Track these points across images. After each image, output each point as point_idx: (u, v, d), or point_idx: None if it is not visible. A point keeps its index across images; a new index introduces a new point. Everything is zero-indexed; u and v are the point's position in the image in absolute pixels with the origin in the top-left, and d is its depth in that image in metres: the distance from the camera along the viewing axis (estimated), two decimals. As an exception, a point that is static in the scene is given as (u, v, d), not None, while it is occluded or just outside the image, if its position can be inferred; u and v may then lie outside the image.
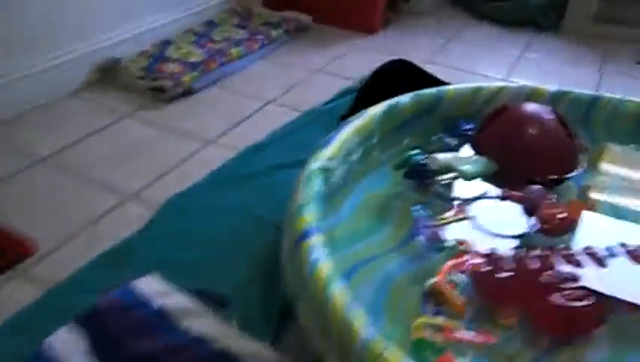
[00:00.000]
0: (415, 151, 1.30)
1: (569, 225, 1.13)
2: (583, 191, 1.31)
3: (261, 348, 0.95)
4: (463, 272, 0.99)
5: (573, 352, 0.93)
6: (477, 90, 1.52)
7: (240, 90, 1.91)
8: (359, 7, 2.44)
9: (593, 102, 1.52)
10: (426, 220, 1.13)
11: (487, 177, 1.27)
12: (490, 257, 1.03)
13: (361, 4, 2.44)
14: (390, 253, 1.12)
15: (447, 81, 1.76)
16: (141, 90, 1.83)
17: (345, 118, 1.47)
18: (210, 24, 2.28)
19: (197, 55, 1.99)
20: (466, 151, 1.37)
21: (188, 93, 1.84)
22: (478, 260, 1.02)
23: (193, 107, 1.80)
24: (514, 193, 1.21)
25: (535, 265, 1.00)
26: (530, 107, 1.34)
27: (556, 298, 0.94)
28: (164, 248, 1.23)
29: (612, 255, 1.05)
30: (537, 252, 1.03)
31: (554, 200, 1.19)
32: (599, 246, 1.06)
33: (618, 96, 1.52)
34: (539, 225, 1.13)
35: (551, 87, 1.55)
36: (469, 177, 1.24)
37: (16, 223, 1.25)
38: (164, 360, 0.91)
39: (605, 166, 1.40)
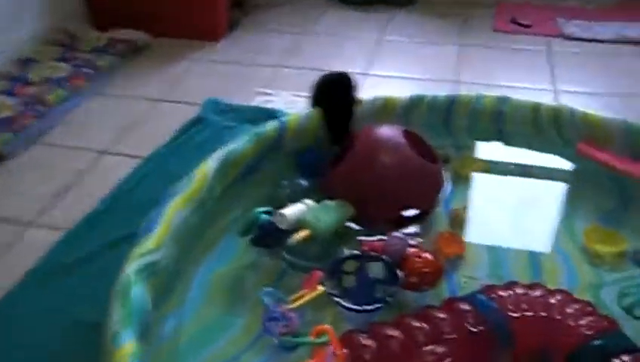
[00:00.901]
0: (261, 209, 1.12)
1: (435, 278, 1.01)
2: (454, 217, 1.20)
3: None
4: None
5: None
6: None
7: (65, 144, 1.63)
8: (199, 12, 2.18)
9: (450, 105, 1.41)
10: (277, 305, 0.96)
11: (345, 224, 1.12)
12: (353, 343, 0.88)
13: (200, 8, 2.18)
14: (246, 352, 0.95)
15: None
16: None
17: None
18: (26, 62, 1.94)
19: (7, 108, 1.67)
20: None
21: (-2, 160, 1.52)
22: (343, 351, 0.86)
23: (5, 178, 1.50)
24: (374, 244, 1.06)
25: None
26: (381, 133, 1.19)
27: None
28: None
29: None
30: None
31: (419, 243, 1.06)
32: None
33: (473, 94, 1.41)
34: (404, 281, 1.00)
35: (404, 96, 1.41)
36: (323, 232, 1.08)
37: None
38: None
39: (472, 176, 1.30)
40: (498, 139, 1.41)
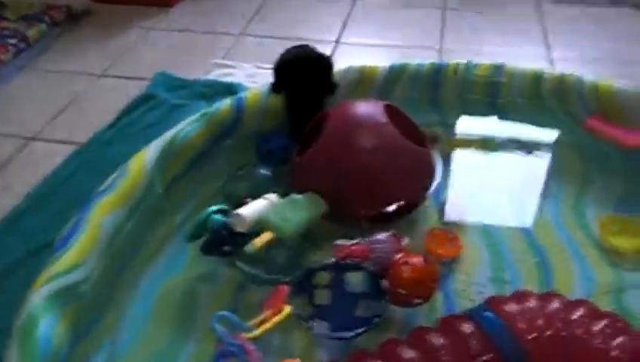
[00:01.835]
0: (214, 208, 0.91)
1: (430, 289, 0.82)
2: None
3: None
4: None
5: None
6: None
7: (-13, 129, 1.39)
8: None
9: (437, 74, 1.20)
10: (232, 334, 0.76)
11: (316, 224, 0.92)
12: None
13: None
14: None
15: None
16: None
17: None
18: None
19: None
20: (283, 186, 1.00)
21: None
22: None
23: None
24: (353, 249, 0.86)
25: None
26: (358, 110, 0.98)
27: None
28: None
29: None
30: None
31: (406, 245, 0.87)
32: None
33: (464, 62, 1.21)
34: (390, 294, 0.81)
35: (383, 64, 1.20)
36: (290, 235, 0.88)
37: None
38: None
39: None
40: (492, 114, 1.21)
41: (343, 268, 0.85)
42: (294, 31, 1.78)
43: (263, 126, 1.12)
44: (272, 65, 1.08)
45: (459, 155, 1.14)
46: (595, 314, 0.76)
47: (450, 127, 1.20)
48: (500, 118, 1.21)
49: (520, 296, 0.79)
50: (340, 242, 0.87)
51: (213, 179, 1.04)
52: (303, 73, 1.06)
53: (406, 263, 0.82)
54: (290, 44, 1.10)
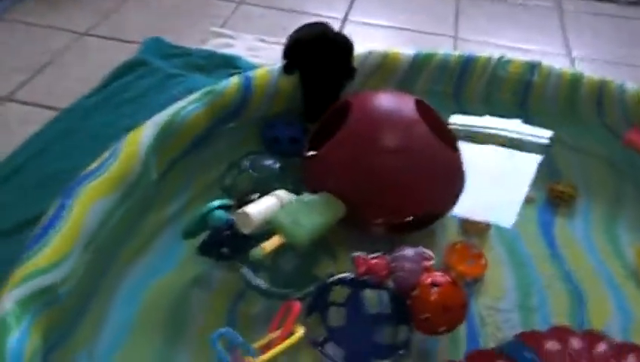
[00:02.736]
0: (216, 203, 0.80)
1: (460, 317, 0.72)
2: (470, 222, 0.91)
3: None
4: None
5: None
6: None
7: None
8: None
9: (465, 66, 1.09)
10: (234, 357, 0.65)
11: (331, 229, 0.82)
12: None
13: None
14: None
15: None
16: None
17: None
18: None
19: None
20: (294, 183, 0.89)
21: None
22: None
23: None
24: (375, 263, 0.76)
25: None
26: (387, 103, 0.87)
27: None
28: None
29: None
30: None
31: (432, 265, 0.77)
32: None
33: (496, 56, 1.10)
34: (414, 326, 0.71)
35: (407, 50, 1.09)
36: (303, 241, 0.77)
37: None
38: None
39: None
40: (519, 116, 1.11)
41: (361, 285, 0.75)
42: (299, 4, 1.64)
43: (271, 110, 1.00)
44: (275, 39, 0.95)
45: (480, 161, 1.04)
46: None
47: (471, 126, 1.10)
48: (527, 121, 1.11)
49: (560, 333, 0.71)
50: (358, 254, 0.77)
51: (213, 167, 0.93)
52: (322, 54, 0.95)
53: (433, 284, 0.73)
54: (294, 18, 0.99)
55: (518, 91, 1.10)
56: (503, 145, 1.06)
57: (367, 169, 0.81)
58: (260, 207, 0.78)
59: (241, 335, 0.67)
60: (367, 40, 1.01)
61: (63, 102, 1.19)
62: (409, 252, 0.77)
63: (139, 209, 0.82)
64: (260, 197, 0.82)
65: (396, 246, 0.79)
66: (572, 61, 1.51)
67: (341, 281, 0.75)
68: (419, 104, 0.87)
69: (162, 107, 1.15)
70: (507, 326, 0.78)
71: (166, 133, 0.85)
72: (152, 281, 0.79)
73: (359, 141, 0.82)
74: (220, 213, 0.78)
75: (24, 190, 0.98)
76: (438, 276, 0.74)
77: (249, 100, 0.96)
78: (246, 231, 0.76)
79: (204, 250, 0.78)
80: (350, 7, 1.68)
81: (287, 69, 0.97)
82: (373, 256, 0.76)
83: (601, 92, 1.05)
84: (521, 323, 0.79)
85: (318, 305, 0.73)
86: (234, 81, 0.95)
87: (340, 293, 0.75)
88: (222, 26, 1.52)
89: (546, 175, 1.04)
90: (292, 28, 1.00)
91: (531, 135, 1.08)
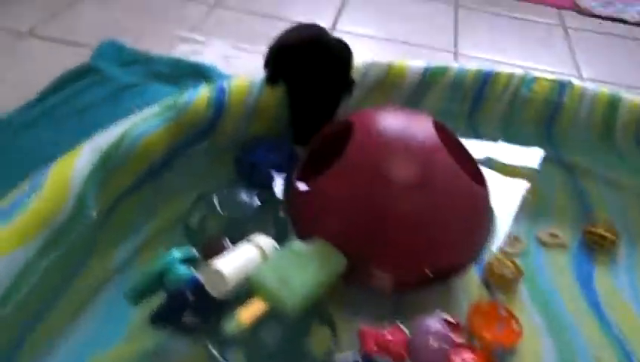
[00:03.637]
0: (177, 254, 0.59)
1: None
2: (497, 274, 0.73)
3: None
4: None
5: None
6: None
7: None
8: None
9: (483, 84, 0.92)
10: None
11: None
12: None
13: None
14: None
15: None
16: None
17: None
18: None
19: None
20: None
21: None
22: None
23: None
24: (388, 341, 0.57)
25: None
26: (398, 124, 0.68)
27: None
28: None
29: None
30: None
31: (462, 340, 0.58)
32: None
33: (520, 73, 0.93)
34: None
35: (415, 62, 0.91)
36: (293, 308, 0.57)
37: None
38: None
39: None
40: (542, 143, 0.94)
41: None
42: (281, 10, 1.46)
43: (250, 129, 0.81)
44: (253, 47, 0.77)
45: (503, 194, 0.86)
46: None
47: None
48: (552, 149, 0.94)
49: None
50: (365, 327, 0.58)
51: (173, 203, 0.72)
52: (315, 62, 0.76)
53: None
54: (274, 24, 0.80)
55: (543, 114, 0.93)
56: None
57: (374, 208, 0.62)
58: (237, 262, 0.58)
59: None
60: (358, 53, 0.83)
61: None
62: (432, 324, 0.58)
63: (73, 259, 0.61)
64: (233, 243, 0.63)
65: (405, 306, 0.61)
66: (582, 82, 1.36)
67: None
68: (437, 126, 0.69)
69: (114, 123, 0.97)
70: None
71: (111, 158, 0.64)
72: (91, 357, 0.58)
73: (365, 172, 0.63)
74: (181, 269, 0.58)
75: None
76: (462, 350, 0.55)
77: (222, 117, 0.76)
78: (218, 294, 0.56)
79: (160, 318, 0.57)
80: (339, 14, 1.50)
81: (270, 79, 0.78)
82: (386, 329, 0.57)
83: (641, 116, 0.89)
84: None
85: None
86: (203, 92, 0.75)
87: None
88: (191, 31, 1.32)
89: (577, 213, 0.87)
90: (272, 35, 0.82)
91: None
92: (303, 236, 0.66)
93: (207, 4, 1.44)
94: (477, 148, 0.90)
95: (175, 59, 1.17)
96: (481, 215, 0.68)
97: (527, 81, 0.91)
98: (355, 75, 0.82)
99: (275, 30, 0.82)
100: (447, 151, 0.65)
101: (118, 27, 1.27)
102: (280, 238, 0.69)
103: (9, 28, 1.22)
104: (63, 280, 0.61)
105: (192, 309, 0.57)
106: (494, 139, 0.94)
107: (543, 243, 0.83)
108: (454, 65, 0.91)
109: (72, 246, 0.61)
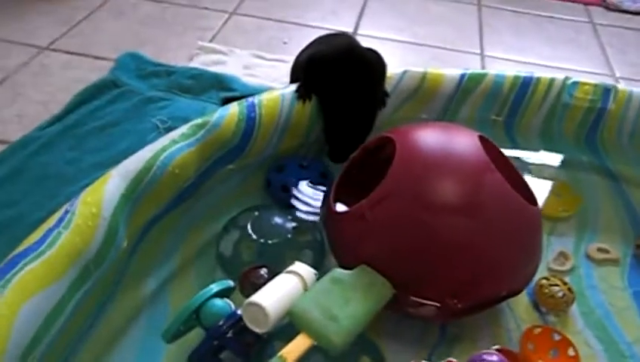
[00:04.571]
0: (213, 287, 0.56)
1: None
2: (548, 298, 0.69)
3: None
4: None
5: None
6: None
7: None
8: None
9: (522, 90, 0.87)
10: None
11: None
12: None
13: None
14: None
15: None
16: None
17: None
18: None
19: None
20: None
21: None
22: None
23: None
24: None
25: None
26: (441, 140, 0.65)
27: None
28: None
29: None
30: None
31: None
32: None
33: (561, 77, 0.89)
34: None
35: (450, 70, 0.87)
36: (340, 344, 0.53)
37: None
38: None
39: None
40: (585, 153, 0.89)
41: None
42: (300, 14, 1.42)
43: (280, 146, 0.77)
44: (275, 56, 0.74)
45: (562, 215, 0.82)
46: None
47: (529, 164, 0.88)
48: (595, 158, 0.89)
49: None
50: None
51: (206, 226, 0.69)
52: (351, 75, 0.72)
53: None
54: (296, 31, 0.77)
55: (586, 121, 0.88)
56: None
57: (421, 234, 0.58)
58: (277, 294, 0.54)
59: None
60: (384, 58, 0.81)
61: (12, 133, 0.95)
62: (488, 358, 0.54)
63: (103, 291, 0.58)
64: (270, 274, 0.59)
65: (451, 332, 0.58)
66: (616, 82, 1.31)
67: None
68: (483, 142, 0.65)
69: (139, 139, 0.94)
70: None
71: (141, 185, 0.61)
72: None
73: (409, 196, 0.59)
74: (219, 305, 0.54)
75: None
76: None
77: (254, 134, 0.73)
78: (260, 330, 0.53)
79: (199, 359, 0.54)
80: (359, 19, 1.46)
81: (304, 93, 0.74)
82: (441, 364, 0.53)
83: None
84: None
85: None
86: (233, 109, 0.71)
87: None
88: (212, 40, 1.29)
89: (626, 225, 0.82)
90: (294, 42, 0.78)
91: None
92: (342, 260, 0.62)
93: (226, 12, 1.40)
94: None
95: (196, 70, 1.14)
96: (535, 237, 0.64)
97: (568, 87, 0.86)
98: (388, 84, 0.79)
99: (297, 37, 0.79)
100: (496, 170, 0.61)
101: (137, 39, 1.25)
102: (317, 262, 0.66)
103: (29, 42, 1.19)
104: (93, 314, 0.58)
105: (231, 346, 0.54)
106: (535, 149, 0.90)
107: (593, 259, 0.78)
108: (492, 72, 0.87)
109: (103, 278, 0.58)
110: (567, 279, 0.72)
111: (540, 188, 0.83)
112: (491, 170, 0.61)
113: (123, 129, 0.98)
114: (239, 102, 0.73)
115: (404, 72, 0.83)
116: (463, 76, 0.85)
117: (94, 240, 0.56)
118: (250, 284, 0.59)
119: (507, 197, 0.60)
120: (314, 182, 0.75)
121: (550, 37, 1.49)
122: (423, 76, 0.84)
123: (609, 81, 1.28)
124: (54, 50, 1.19)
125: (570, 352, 0.65)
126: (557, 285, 0.71)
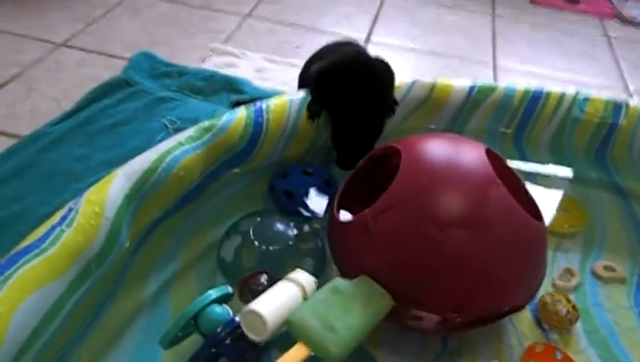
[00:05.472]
0: (212, 293, 0.56)
1: None
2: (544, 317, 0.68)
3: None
4: None
5: None
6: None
7: None
8: None
9: (533, 103, 0.87)
10: None
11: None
12: None
13: None
14: None
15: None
16: None
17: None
18: None
19: None
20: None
21: None
22: None
23: None
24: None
25: None
26: (447, 152, 0.64)
27: None
28: None
29: None
30: None
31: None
32: None
33: (573, 91, 0.88)
34: None
35: (460, 80, 0.86)
36: (338, 355, 0.53)
37: None
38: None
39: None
40: (594, 168, 0.88)
41: None
42: (314, 19, 1.42)
43: (285, 152, 0.77)
44: (287, 60, 0.73)
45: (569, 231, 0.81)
46: None
47: (534, 177, 0.88)
48: (604, 174, 0.88)
49: None
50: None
51: (208, 230, 0.69)
52: (360, 85, 0.72)
53: None
54: (308, 35, 0.76)
55: (596, 137, 0.87)
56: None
57: (423, 247, 0.57)
58: (276, 302, 0.54)
59: None
60: (395, 66, 0.79)
61: (23, 128, 0.95)
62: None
63: (103, 291, 0.58)
64: (270, 281, 0.59)
65: (451, 347, 0.58)
66: (630, 95, 1.30)
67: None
68: (490, 155, 0.64)
69: (148, 138, 0.94)
70: None
71: (146, 186, 0.61)
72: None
73: (413, 208, 0.59)
74: (217, 311, 0.54)
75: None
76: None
77: (260, 139, 0.73)
78: (257, 338, 0.53)
79: (195, 364, 0.54)
80: (373, 25, 1.46)
81: (314, 113, 0.74)
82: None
83: None
84: None
85: None
86: (241, 113, 0.71)
87: None
88: (225, 42, 1.29)
89: (634, 243, 0.81)
90: (306, 47, 0.78)
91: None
92: (344, 269, 0.62)
93: (239, 15, 1.41)
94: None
95: (209, 71, 1.15)
96: (539, 253, 0.63)
97: (579, 102, 0.85)
98: (397, 93, 0.78)
99: (310, 41, 0.79)
100: (502, 184, 0.61)
101: (150, 39, 1.25)
102: (318, 270, 0.66)
103: (43, 37, 1.21)
104: (93, 313, 0.58)
105: (229, 353, 0.54)
106: (543, 163, 0.89)
107: (599, 277, 0.77)
108: (502, 84, 0.86)
109: (104, 278, 0.58)
110: (572, 296, 0.72)
111: (548, 204, 0.82)
112: (497, 184, 0.60)
113: (133, 128, 0.99)
114: (247, 106, 0.73)
115: (414, 82, 0.83)
116: (472, 88, 0.85)
117: (96, 239, 0.56)
118: (250, 291, 0.59)
119: (512, 211, 0.60)
120: (318, 190, 0.75)
121: (564, 49, 1.48)
122: (433, 86, 0.83)
123: (622, 95, 1.28)
124: (70, 46, 1.20)
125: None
126: (561, 302, 0.70)
